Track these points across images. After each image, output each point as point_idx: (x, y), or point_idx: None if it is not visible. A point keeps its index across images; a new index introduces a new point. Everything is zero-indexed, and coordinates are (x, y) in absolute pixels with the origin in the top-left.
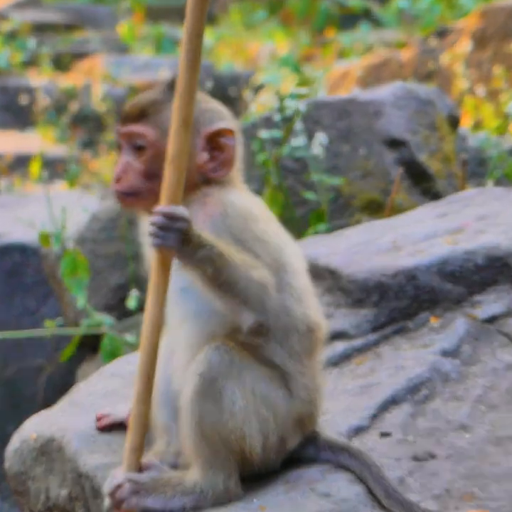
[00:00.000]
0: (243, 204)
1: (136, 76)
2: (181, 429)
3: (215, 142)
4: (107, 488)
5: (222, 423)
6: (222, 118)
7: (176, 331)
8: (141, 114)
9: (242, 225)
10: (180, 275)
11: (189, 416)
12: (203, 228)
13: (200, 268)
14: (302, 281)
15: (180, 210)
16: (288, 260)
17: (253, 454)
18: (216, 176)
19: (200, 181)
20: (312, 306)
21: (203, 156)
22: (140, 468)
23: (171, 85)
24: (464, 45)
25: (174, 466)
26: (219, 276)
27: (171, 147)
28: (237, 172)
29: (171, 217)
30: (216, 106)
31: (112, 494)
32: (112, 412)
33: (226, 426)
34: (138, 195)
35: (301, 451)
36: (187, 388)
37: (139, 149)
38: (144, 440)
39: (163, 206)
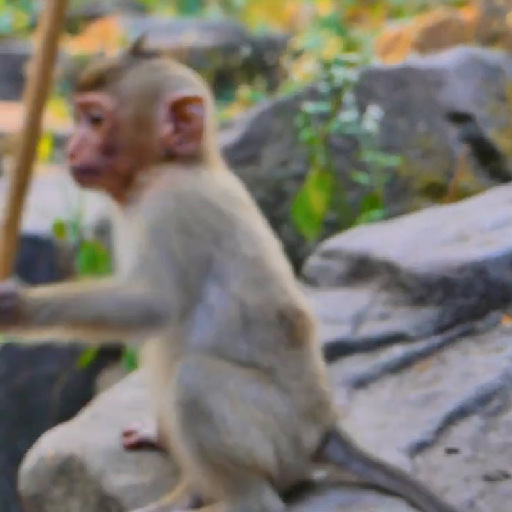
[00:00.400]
0: (195, 187)
1: (157, 40)
2: (186, 465)
3: (181, 112)
4: None
5: (221, 444)
6: (190, 85)
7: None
8: (98, 82)
9: (171, 210)
10: None
11: (186, 450)
12: (135, 214)
13: (55, 327)
14: (270, 266)
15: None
16: (266, 249)
17: (269, 464)
18: (182, 149)
19: (161, 157)
20: (284, 290)
21: (167, 128)
22: None
23: (134, 50)
24: None
25: (199, 502)
26: (83, 322)
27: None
28: (211, 146)
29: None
30: (183, 72)
31: None
32: (141, 428)
33: (227, 445)
34: (95, 172)
35: (328, 451)
36: (172, 422)
37: (96, 121)
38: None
39: None
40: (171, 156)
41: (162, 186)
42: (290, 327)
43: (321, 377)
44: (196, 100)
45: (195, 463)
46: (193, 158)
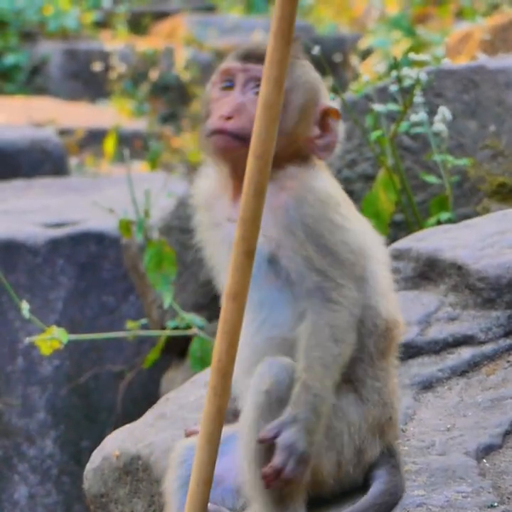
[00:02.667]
0: (325, 189)
1: (225, 39)
2: (238, 457)
3: (325, 121)
4: None
5: None
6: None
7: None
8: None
9: (319, 214)
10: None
11: (248, 441)
12: (274, 216)
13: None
14: (385, 272)
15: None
16: (371, 247)
17: (327, 474)
18: (319, 156)
19: (296, 156)
20: (393, 300)
21: (315, 130)
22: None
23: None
24: None
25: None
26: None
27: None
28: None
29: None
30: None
31: None
32: None
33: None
34: (243, 141)
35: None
36: (247, 407)
37: (257, 93)
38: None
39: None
40: (299, 157)
41: (301, 190)
42: (391, 339)
43: (396, 393)
44: (337, 115)
45: (248, 456)
46: (312, 163)
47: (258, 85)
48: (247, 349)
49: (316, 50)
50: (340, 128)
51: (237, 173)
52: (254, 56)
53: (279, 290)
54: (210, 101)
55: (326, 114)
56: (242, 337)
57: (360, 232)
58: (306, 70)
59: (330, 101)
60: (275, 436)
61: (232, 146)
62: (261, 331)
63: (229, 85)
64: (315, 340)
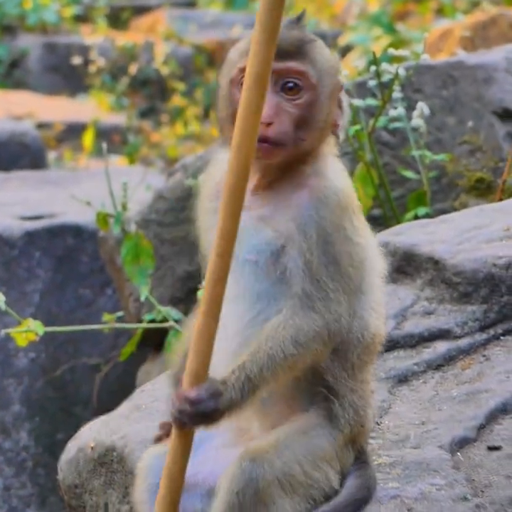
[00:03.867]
0: (346, 192)
1: (204, 34)
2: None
3: (339, 100)
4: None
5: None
6: None
7: (228, 305)
8: (299, 51)
9: (337, 221)
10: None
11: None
12: (290, 212)
13: (251, 397)
14: (381, 286)
15: (204, 392)
16: (372, 260)
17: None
18: (338, 135)
19: (320, 146)
20: (382, 314)
21: (338, 112)
22: None
23: (298, 21)
24: None
25: None
26: (274, 376)
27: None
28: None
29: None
30: None
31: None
32: None
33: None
34: (285, 146)
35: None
36: (218, 504)
37: (293, 91)
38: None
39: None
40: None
41: (325, 191)
42: (369, 350)
43: (371, 404)
44: (342, 88)
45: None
46: (326, 154)
47: (288, 82)
48: (236, 339)
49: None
50: (345, 100)
51: (260, 167)
52: (290, 52)
53: (277, 285)
54: (235, 101)
55: (340, 92)
56: (233, 326)
57: (365, 245)
58: (325, 53)
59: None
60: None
61: (275, 153)
62: (253, 324)
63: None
64: (275, 333)
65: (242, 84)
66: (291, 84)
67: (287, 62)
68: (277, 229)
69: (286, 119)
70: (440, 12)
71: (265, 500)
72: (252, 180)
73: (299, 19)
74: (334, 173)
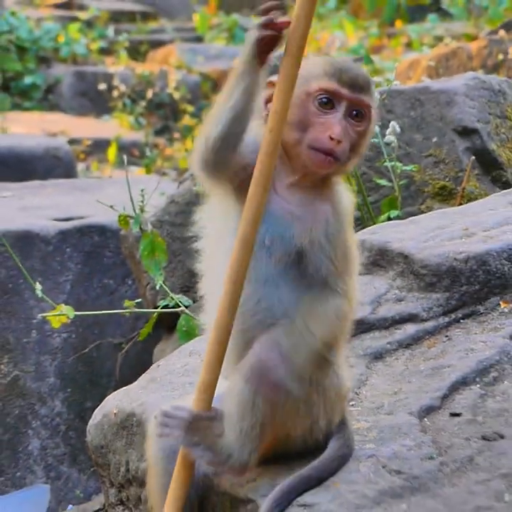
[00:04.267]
0: (352, 208)
1: (209, 65)
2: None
3: None
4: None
5: (277, 407)
6: None
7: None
8: (368, 87)
9: (349, 228)
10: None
11: (245, 389)
12: (317, 219)
13: None
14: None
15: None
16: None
17: (298, 437)
18: None
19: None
20: (358, 297)
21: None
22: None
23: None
24: None
25: None
26: None
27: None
28: None
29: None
30: None
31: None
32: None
33: (280, 410)
34: (340, 163)
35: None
36: (249, 360)
37: (358, 119)
38: (217, 379)
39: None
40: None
41: (343, 206)
42: (351, 325)
43: (347, 372)
44: None
45: (241, 397)
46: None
47: (358, 114)
48: (241, 318)
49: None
50: None
51: (304, 171)
52: (362, 86)
53: (284, 274)
54: (309, 113)
55: None
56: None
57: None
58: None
59: None
60: None
61: (332, 166)
62: (257, 305)
63: (327, 102)
64: (319, 315)
65: (317, 100)
66: (357, 113)
67: (360, 95)
68: (304, 229)
69: (348, 140)
70: (409, 46)
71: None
72: (290, 177)
73: (360, 60)
74: (346, 191)
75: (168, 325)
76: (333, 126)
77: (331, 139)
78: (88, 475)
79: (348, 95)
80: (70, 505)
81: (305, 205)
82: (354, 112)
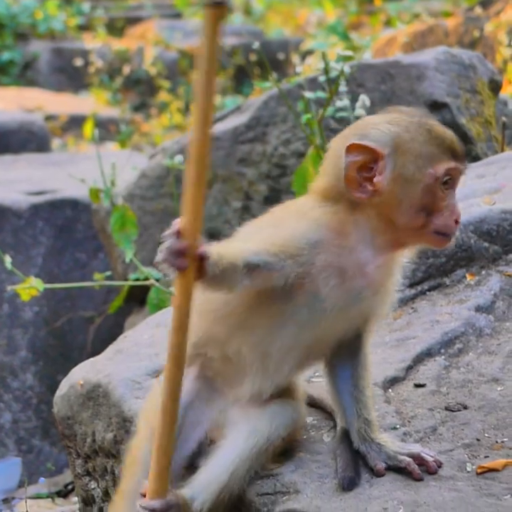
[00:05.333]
0: None
1: (187, 41)
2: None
3: None
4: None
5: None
6: None
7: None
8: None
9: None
10: None
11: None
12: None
13: None
14: None
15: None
16: None
17: None
18: None
19: None
20: None
21: None
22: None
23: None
24: (509, 14)
25: None
26: None
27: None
28: None
29: None
30: None
31: None
32: None
33: None
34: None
35: None
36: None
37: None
38: (169, 465)
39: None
40: None
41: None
42: None
43: None
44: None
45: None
46: None
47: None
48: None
49: (255, 45)
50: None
51: (403, 244)
52: (464, 154)
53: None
54: (437, 198)
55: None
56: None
57: None
58: None
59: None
60: None
61: (448, 245)
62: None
63: (448, 182)
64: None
65: (442, 183)
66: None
67: (466, 164)
68: (381, 298)
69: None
70: (388, 23)
71: None
72: (380, 254)
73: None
74: None
75: (139, 298)
76: (456, 208)
77: (456, 222)
78: (60, 448)
79: (463, 169)
80: (42, 478)
81: (384, 275)
82: (456, 183)
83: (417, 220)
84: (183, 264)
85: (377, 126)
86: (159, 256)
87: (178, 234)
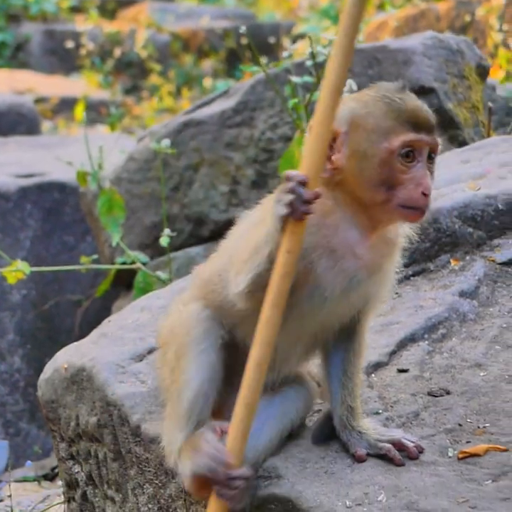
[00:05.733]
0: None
1: (180, 24)
2: None
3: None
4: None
5: None
6: None
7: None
8: (435, 121)
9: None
10: None
11: None
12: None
13: None
14: None
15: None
16: None
17: None
18: None
19: None
20: None
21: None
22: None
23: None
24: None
25: None
26: None
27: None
28: None
29: None
30: None
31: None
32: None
33: None
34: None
35: None
36: None
37: (431, 160)
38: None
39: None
40: None
41: (397, 247)
42: None
43: None
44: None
45: None
46: None
47: (433, 154)
48: (299, 348)
49: (243, 29)
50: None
51: (379, 221)
52: (433, 125)
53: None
54: (395, 171)
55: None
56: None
57: None
58: None
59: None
60: None
61: (421, 219)
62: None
63: (409, 155)
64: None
65: (401, 156)
66: (434, 156)
67: (437, 137)
68: (376, 279)
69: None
70: (381, 7)
71: None
72: (366, 234)
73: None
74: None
75: (126, 282)
76: (422, 181)
77: (424, 194)
78: (47, 431)
79: (429, 141)
80: (29, 462)
81: (378, 257)
82: (432, 155)
83: (379, 195)
84: (310, 211)
85: (343, 105)
86: (283, 198)
87: (304, 184)
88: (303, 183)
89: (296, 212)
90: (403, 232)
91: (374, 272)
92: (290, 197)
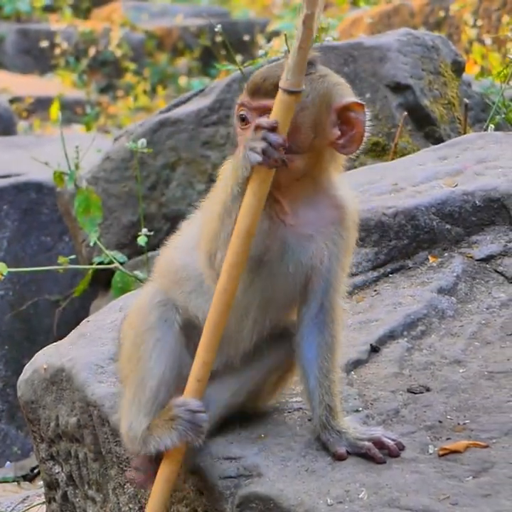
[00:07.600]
0: (357, 215)
1: (154, 22)
2: None
3: (346, 117)
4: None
5: None
6: (351, 94)
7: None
8: (274, 90)
9: (353, 243)
10: None
11: None
12: (324, 223)
13: None
14: None
15: None
16: None
17: None
18: (345, 152)
19: (327, 163)
20: None
21: (335, 132)
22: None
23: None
24: None
25: None
26: None
27: None
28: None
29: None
30: (344, 82)
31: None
32: None
33: None
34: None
35: None
36: None
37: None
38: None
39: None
40: (325, 164)
41: (351, 212)
42: None
43: None
44: (360, 107)
45: None
46: (336, 169)
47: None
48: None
49: (218, 27)
50: (365, 117)
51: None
52: (263, 91)
53: (297, 296)
54: (236, 133)
55: (346, 109)
56: (255, 326)
57: None
58: (311, 84)
59: (348, 97)
60: None
61: (277, 164)
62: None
63: (244, 117)
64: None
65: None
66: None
67: (260, 101)
68: (318, 247)
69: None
70: (355, 3)
71: None
72: (286, 201)
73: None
74: (349, 194)
75: (104, 282)
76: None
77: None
78: (26, 432)
79: (251, 104)
80: (8, 462)
81: (314, 221)
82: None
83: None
84: (283, 158)
85: None
86: (256, 146)
87: (275, 129)
88: (273, 129)
89: (270, 159)
90: (351, 209)
91: (306, 239)
92: (263, 144)
